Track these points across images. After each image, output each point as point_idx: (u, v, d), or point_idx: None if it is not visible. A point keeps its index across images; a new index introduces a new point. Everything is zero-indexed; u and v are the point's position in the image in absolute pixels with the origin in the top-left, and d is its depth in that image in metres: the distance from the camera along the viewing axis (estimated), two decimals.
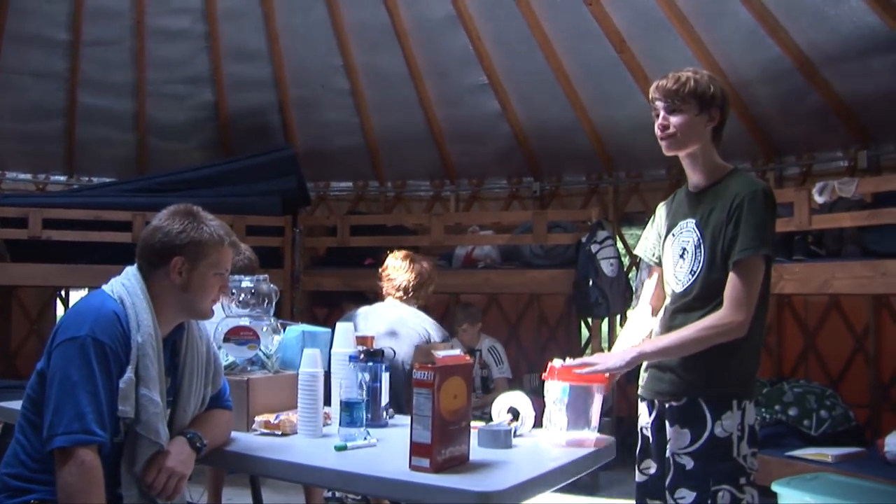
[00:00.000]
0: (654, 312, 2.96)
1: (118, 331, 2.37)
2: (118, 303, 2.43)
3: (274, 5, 7.06)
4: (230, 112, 7.79)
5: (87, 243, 6.48)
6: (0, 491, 2.40)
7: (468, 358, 2.54)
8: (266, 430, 2.80)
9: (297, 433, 2.80)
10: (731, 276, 2.61)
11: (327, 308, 7.45)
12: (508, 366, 6.43)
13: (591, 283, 6.05)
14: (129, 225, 6.54)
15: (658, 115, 2.74)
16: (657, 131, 2.74)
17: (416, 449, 2.32)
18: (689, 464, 2.65)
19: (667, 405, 2.74)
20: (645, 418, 2.87)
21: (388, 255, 4.30)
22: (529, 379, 6.71)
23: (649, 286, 3.02)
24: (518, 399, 2.97)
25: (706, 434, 2.63)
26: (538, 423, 2.89)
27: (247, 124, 7.88)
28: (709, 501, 2.60)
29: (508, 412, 2.94)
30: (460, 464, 2.39)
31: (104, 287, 2.52)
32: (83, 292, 7.58)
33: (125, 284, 2.50)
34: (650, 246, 3.01)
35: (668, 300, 2.83)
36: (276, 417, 2.81)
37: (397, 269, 4.10)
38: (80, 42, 7.15)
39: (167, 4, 7.09)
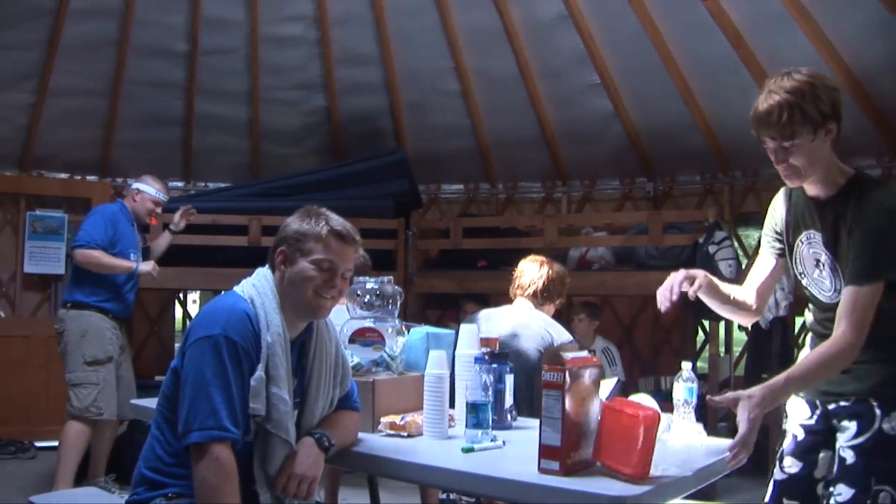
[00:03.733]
0: (756, 305, 2.83)
1: (249, 330, 2.40)
2: (249, 303, 2.47)
3: (385, 10, 7.13)
4: (342, 116, 7.91)
5: (204, 247, 6.63)
6: (139, 484, 2.47)
7: (597, 360, 2.49)
8: (392, 432, 2.80)
9: (422, 434, 2.80)
10: (851, 294, 2.44)
11: (440, 310, 7.47)
12: (622, 368, 6.33)
13: None
14: (244, 229, 6.69)
15: (771, 151, 2.50)
16: (776, 166, 2.53)
17: (546, 451, 2.28)
18: (850, 457, 2.51)
19: (831, 405, 2.60)
20: (802, 417, 2.73)
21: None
22: (645, 382, 6.59)
23: (761, 272, 2.84)
24: (646, 401, 2.91)
25: (873, 429, 2.48)
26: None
27: (358, 128, 7.97)
28: (868, 502, 2.45)
29: None
30: (589, 466, 2.35)
31: (235, 288, 2.56)
32: (195, 295, 7.78)
33: (255, 285, 2.53)
34: (770, 238, 2.82)
35: (812, 307, 2.69)
36: (402, 419, 2.80)
37: (528, 272, 4.07)
38: (198, 52, 7.37)
39: (280, 12, 7.23)
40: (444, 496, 4.97)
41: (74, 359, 5.27)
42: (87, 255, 5.24)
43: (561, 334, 3.84)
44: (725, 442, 2.62)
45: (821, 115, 2.42)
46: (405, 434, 2.78)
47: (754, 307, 2.85)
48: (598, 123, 7.33)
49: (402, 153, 7.41)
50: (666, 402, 2.81)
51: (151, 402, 3.57)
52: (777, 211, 2.79)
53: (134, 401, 3.72)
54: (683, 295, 2.72)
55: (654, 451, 2.23)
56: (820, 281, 2.61)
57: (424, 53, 7.37)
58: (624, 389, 6.13)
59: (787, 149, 2.46)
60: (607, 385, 2.95)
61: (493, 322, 3.83)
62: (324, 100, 7.83)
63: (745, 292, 2.86)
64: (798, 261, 2.69)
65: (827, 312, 2.59)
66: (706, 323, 6.40)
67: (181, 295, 8.41)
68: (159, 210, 5.63)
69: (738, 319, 3.07)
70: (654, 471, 2.24)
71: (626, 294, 7.07)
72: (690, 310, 6.48)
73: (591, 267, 6.66)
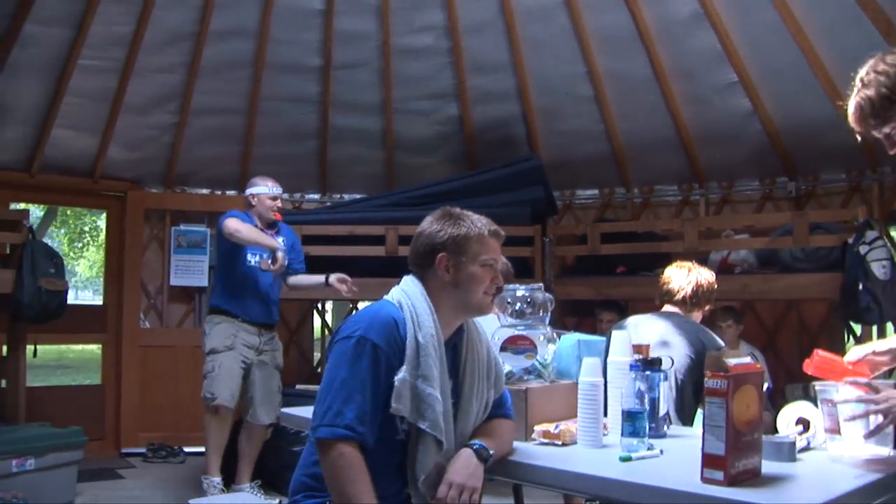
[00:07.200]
0: None
1: (392, 334, 2.44)
2: (397, 308, 2.51)
3: (515, 16, 7.10)
4: (475, 125, 7.92)
5: (342, 257, 6.72)
6: (298, 491, 2.55)
7: (759, 366, 2.41)
8: (546, 440, 2.77)
9: (576, 443, 2.76)
10: None
11: (577, 317, 7.38)
12: (769, 375, 6.13)
13: (861, 286, 5.66)
14: (381, 239, 6.77)
15: (884, 141, 2.42)
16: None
17: (709, 460, 2.23)
18: None
19: None
20: None
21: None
22: (792, 389, 6.36)
23: None
24: (807, 409, 2.81)
25: None
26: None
27: (492, 136, 7.97)
28: None
29: (798, 423, 2.79)
30: (753, 477, 2.28)
31: (385, 296, 2.60)
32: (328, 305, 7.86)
33: (404, 290, 2.58)
34: None
35: None
36: (556, 427, 2.77)
37: (676, 278, 3.99)
38: (331, 66, 7.52)
39: (411, 24, 7.31)
40: None
41: (204, 354, 5.67)
42: (229, 224, 5.51)
43: (712, 341, 3.74)
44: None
45: None
46: (559, 443, 2.75)
47: None
48: (735, 123, 7.11)
49: (537, 160, 7.36)
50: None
51: (297, 410, 3.67)
52: None
53: (284, 409, 3.79)
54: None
55: None
56: None
57: (556, 58, 7.31)
58: (771, 396, 5.98)
59: (891, 135, 2.38)
60: None
61: (643, 329, 3.76)
62: (456, 109, 7.86)
63: None
64: None
65: None
66: (858, 327, 6.13)
67: (319, 305, 8.57)
68: (279, 203, 5.87)
69: None
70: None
71: (770, 298, 6.84)
72: (839, 312, 6.25)
73: (733, 271, 6.47)
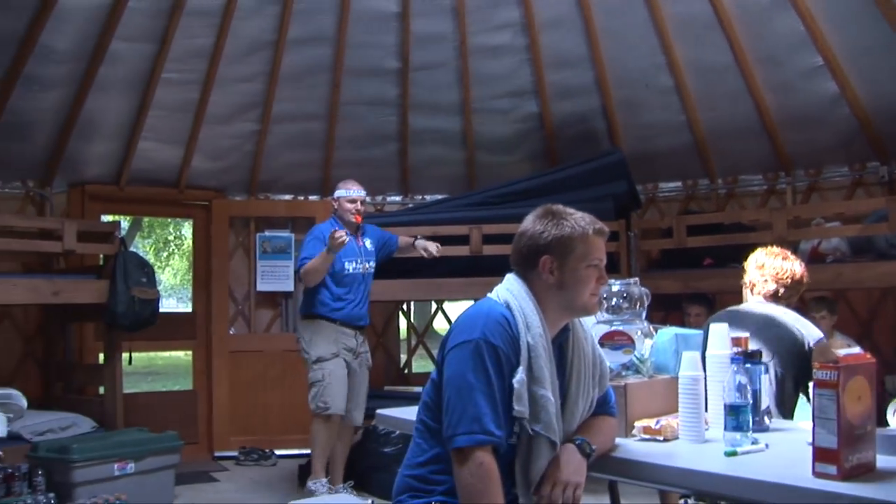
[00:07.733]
0: None
1: (508, 334, 2.41)
2: (505, 307, 2.47)
3: (592, 10, 7.05)
4: (555, 121, 7.87)
5: (425, 258, 6.73)
6: (403, 491, 2.52)
7: (870, 357, 2.34)
8: (647, 436, 2.74)
9: (678, 438, 2.72)
10: None
11: (664, 311, 7.28)
12: None
13: None
14: (465, 238, 6.75)
15: None
16: None
17: (821, 454, 2.17)
18: None
19: None
20: None
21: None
22: (893, 381, 6.18)
23: None
24: None
25: None
26: None
27: (572, 132, 7.91)
28: None
29: None
30: (868, 472, 2.21)
31: (489, 294, 2.57)
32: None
33: (509, 289, 2.54)
34: None
35: None
36: (657, 422, 2.73)
37: (769, 267, 3.87)
38: (409, 68, 7.55)
39: (488, 22, 7.30)
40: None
41: (307, 361, 5.74)
42: (302, 274, 5.65)
43: (812, 332, 3.63)
44: None
45: None
46: (661, 438, 2.71)
47: None
48: (822, 107, 6.89)
49: (620, 154, 7.25)
50: None
51: (391, 411, 3.68)
52: None
53: (379, 410, 3.80)
54: None
55: None
56: None
57: (635, 50, 7.22)
58: None
59: None
60: None
61: (738, 321, 3.66)
62: (535, 105, 7.82)
63: None
64: None
65: None
66: None
67: (405, 306, 8.61)
68: (358, 205, 5.90)
69: None
70: None
71: (864, 286, 6.64)
72: None
73: (824, 259, 6.30)
